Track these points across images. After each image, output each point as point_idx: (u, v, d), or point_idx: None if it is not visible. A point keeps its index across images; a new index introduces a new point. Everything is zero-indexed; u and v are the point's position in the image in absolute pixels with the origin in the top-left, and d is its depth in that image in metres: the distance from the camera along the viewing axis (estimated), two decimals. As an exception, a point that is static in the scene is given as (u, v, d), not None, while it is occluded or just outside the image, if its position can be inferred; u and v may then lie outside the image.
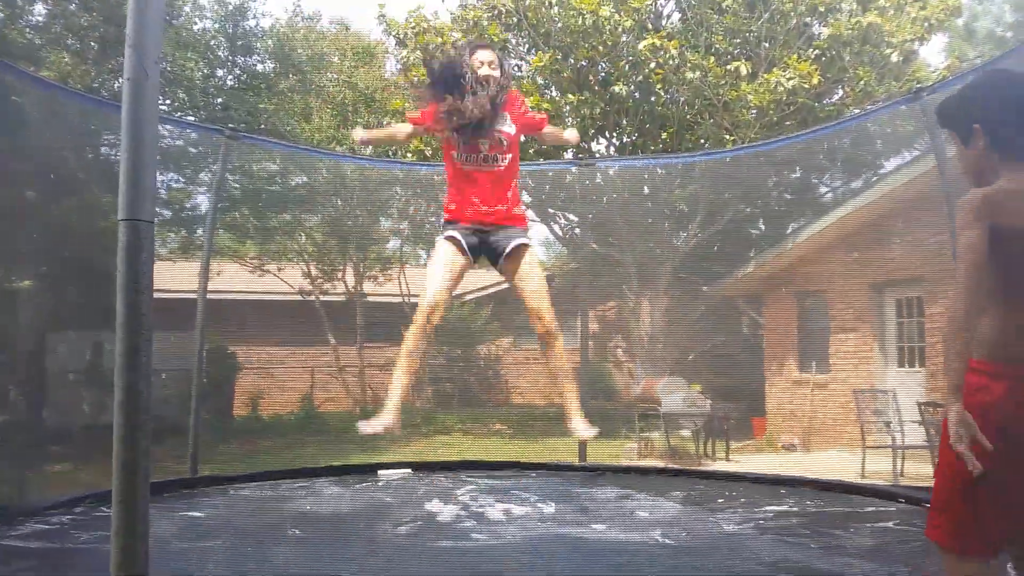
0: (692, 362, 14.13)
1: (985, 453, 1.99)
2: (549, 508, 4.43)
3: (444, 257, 3.96)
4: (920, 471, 8.56)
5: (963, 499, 2.09)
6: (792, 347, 13.17)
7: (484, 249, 4.01)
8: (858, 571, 3.27)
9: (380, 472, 5.87)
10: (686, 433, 11.45)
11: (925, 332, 10.54)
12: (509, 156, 4.01)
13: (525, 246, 4.00)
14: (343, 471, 5.99)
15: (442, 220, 4.17)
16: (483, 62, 3.97)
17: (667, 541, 3.70)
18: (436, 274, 3.96)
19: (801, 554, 3.48)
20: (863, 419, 9.48)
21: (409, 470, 5.95)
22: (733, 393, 13.47)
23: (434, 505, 4.50)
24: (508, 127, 3.99)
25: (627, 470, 6.50)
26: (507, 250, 3.95)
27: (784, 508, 4.60)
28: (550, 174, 13.66)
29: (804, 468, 8.37)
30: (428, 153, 12.99)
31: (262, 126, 12.82)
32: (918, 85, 6.79)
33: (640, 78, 12.51)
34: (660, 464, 9.57)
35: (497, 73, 3.98)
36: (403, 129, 4.37)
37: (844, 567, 3.33)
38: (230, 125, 5.68)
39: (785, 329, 13.36)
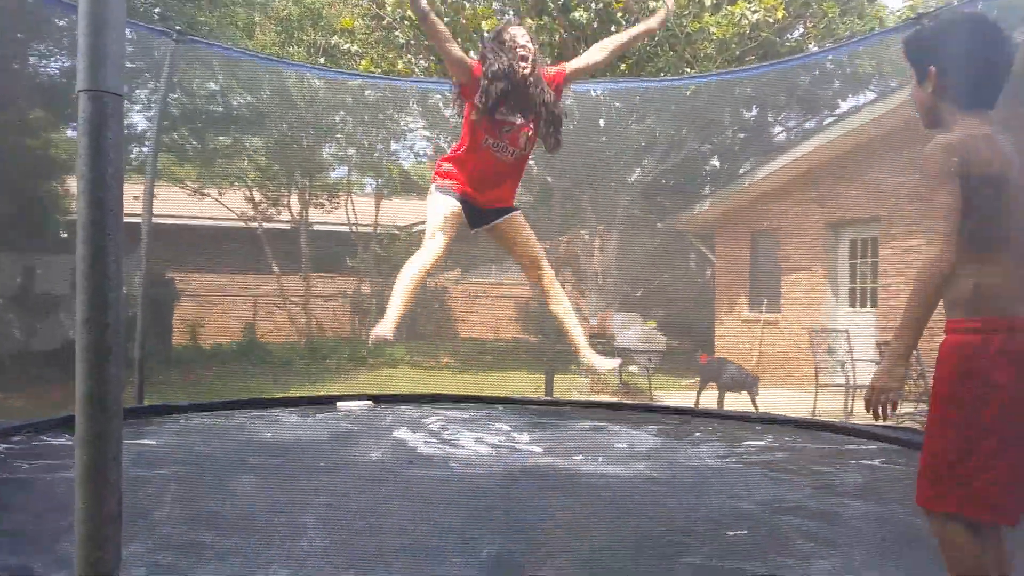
0: (642, 298, 14.07)
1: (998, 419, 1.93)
2: (523, 437, 4.22)
3: (443, 208, 3.88)
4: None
5: (979, 463, 1.95)
6: (743, 285, 13.18)
7: (471, 214, 3.98)
8: (855, 511, 3.14)
9: (339, 404, 5.61)
10: (638, 369, 11.40)
11: (879, 273, 10.59)
12: (525, 153, 3.95)
13: (515, 213, 4.04)
14: (299, 402, 5.72)
15: (435, 172, 4.07)
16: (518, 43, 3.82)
17: (654, 475, 3.53)
18: (436, 224, 3.88)
19: (795, 493, 3.34)
20: (817, 358, 9.50)
21: (370, 402, 5.70)
22: (682, 330, 13.47)
23: (403, 433, 4.26)
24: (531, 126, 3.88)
25: (594, 405, 6.33)
26: (496, 220, 4.00)
27: (765, 444, 4.48)
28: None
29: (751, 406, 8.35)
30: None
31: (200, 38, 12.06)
32: (920, 11, 6.55)
33: (601, 5, 12.12)
34: (613, 400, 9.49)
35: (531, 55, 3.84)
36: (455, 49, 3.92)
37: (838, 506, 3.20)
38: (177, 27, 5.18)
39: (737, 267, 13.34)
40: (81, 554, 1.13)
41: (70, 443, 4.04)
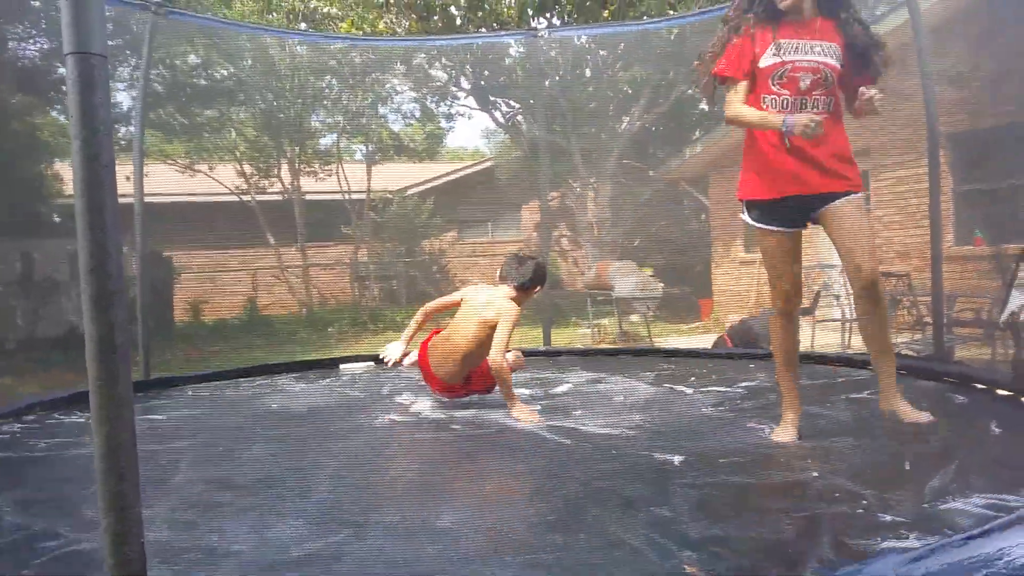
0: (638, 247, 14.14)
1: None
2: (524, 392, 4.30)
3: (761, 241, 3.26)
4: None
5: None
6: (738, 227, 13.22)
7: (798, 211, 3.21)
8: (844, 446, 3.22)
9: (342, 367, 5.71)
10: (637, 317, 11.52)
11: (872, 206, 10.62)
12: (831, 99, 3.16)
13: (851, 201, 3.15)
14: (303, 367, 5.82)
15: (737, 195, 3.38)
16: None
17: (649, 426, 3.60)
18: (767, 262, 3.28)
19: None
20: (812, 295, 9.59)
21: (372, 363, 5.79)
22: (680, 275, 13.57)
23: (405, 398, 4.34)
24: (833, 57, 3.10)
25: (592, 352, 6.44)
26: (827, 207, 3.15)
27: (756, 384, 4.56)
28: (489, 56, 13.18)
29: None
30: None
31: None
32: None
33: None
34: (617, 347, 9.60)
35: None
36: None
37: (828, 443, 3.28)
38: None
39: (731, 209, 13.36)
40: (102, 488, 1.22)
41: (82, 421, 4.16)
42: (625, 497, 2.57)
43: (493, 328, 3.91)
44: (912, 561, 1.79)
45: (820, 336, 9.18)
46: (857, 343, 9.03)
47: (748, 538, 2.18)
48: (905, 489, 2.52)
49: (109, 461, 1.23)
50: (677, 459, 2.94)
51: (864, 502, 2.38)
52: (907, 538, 2.07)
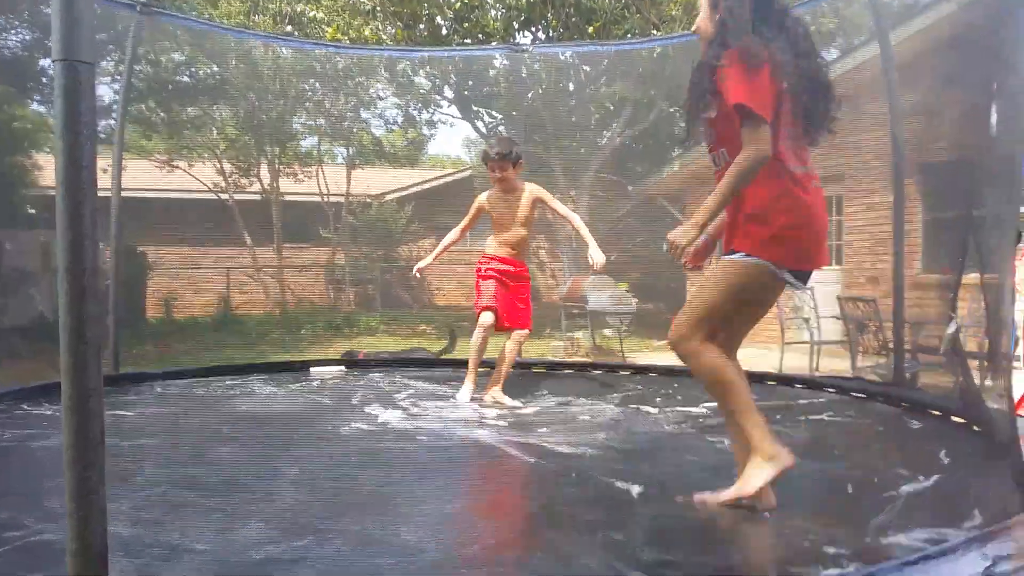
0: (615, 262, 14.23)
1: None
2: (491, 414, 4.32)
3: None
4: (835, 366, 8.92)
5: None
6: (713, 245, 13.34)
7: None
8: (796, 471, 3.27)
9: (312, 370, 5.73)
10: (611, 331, 11.61)
11: (843, 230, 10.80)
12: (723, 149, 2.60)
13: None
14: (274, 368, 5.83)
15: None
16: None
17: (612, 444, 3.65)
18: None
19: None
20: (783, 316, 9.73)
21: (342, 368, 5.82)
22: (655, 291, 13.68)
23: (374, 409, 4.37)
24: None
25: (560, 366, 6.52)
26: None
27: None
28: (473, 67, 13.28)
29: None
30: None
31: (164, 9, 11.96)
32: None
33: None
34: (587, 361, 9.67)
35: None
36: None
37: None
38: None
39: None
40: (69, 475, 1.27)
41: (50, 412, 4.15)
42: (580, 518, 2.61)
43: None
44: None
45: (788, 358, 9.32)
46: (825, 366, 9.18)
47: (696, 563, 2.23)
48: (850, 520, 2.56)
49: (77, 449, 1.28)
50: (636, 489, 2.94)
51: (808, 533, 2.43)
52: (848, 567, 2.12)
